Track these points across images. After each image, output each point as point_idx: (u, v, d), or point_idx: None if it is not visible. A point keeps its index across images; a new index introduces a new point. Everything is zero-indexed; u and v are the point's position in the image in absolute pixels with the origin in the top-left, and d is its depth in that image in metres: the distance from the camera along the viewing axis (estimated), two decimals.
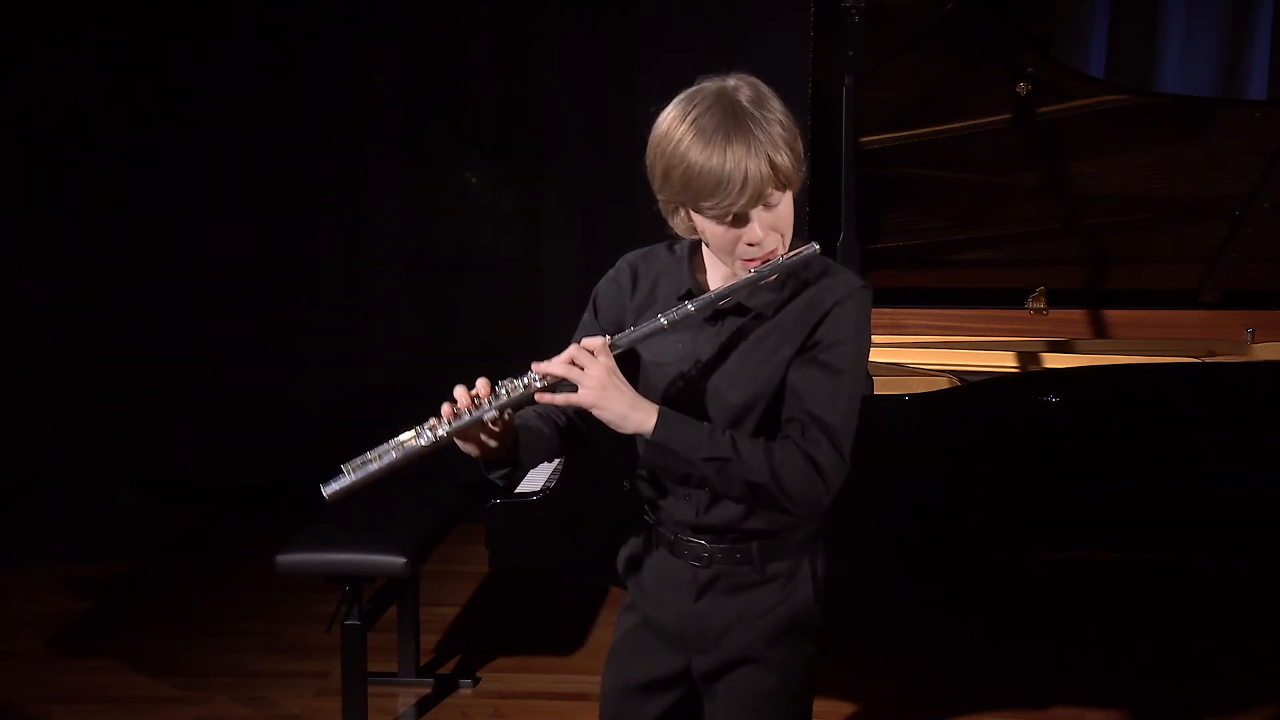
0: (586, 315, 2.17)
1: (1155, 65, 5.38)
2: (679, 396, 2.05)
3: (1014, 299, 3.97)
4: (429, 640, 4.24)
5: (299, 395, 5.70)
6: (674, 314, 1.97)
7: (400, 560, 3.52)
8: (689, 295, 2.06)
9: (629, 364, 2.07)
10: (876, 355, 3.67)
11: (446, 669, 4.11)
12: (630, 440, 2.10)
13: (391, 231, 5.62)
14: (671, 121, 1.96)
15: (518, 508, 3.16)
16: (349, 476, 1.98)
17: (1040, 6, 4.10)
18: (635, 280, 2.14)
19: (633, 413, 1.95)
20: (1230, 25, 5.37)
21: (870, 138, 3.59)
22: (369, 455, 1.98)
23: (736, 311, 2.05)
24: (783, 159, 1.93)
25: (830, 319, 2.00)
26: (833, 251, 3.19)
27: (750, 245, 1.98)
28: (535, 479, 3.43)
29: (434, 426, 1.97)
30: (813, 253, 2.01)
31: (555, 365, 1.95)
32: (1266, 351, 3.88)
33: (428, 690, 3.95)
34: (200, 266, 5.64)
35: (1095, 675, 4.01)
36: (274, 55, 5.54)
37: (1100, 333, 3.98)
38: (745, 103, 1.94)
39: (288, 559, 3.56)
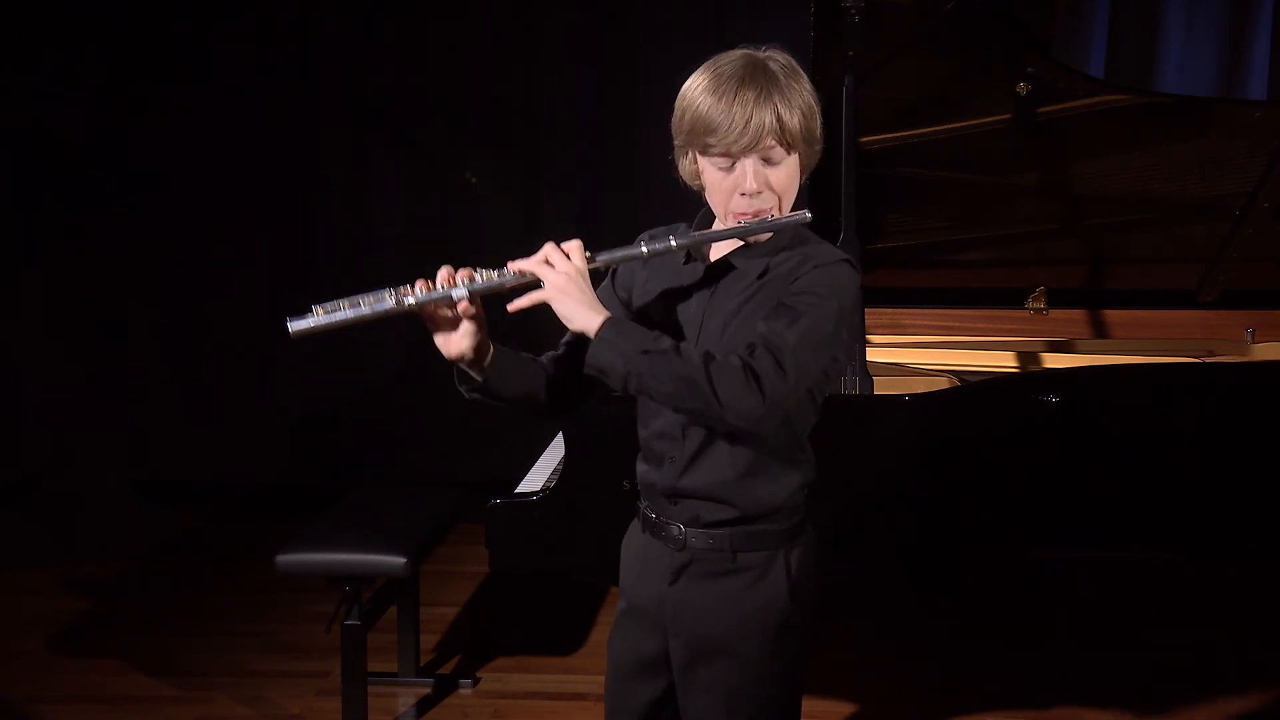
0: (605, 283, 2.24)
1: (1155, 65, 5.39)
2: None
3: (1014, 299, 3.97)
4: (429, 640, 4.24)
5: (299, 395, 5.70)
6: (656, 245, 2.05)
7: (400, 560, 3.53)
8: (689, 257, 2.14)
9: None
10: (876, 355, 3.68)
11: (446, 669, 4.11)
12: (629, 440, 2.15)
13: (391, 230, 5.62)
14: (697, 72, 2.05)
15: (518, 508, 3.16)
16: (317, 317, 2.02)
17: (1040, 7, 4.10)
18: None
19: (586, 310, 1.99)
20: (1230, 25, 5.37)
21: (870, 138, 3.60)
22: (341, 303, 2.03)
23: (725, 273, 2.10)
24: (792, 119, 2.00)
25: (804, 278, 2.04)
26: None
27: (743, 196, 2.03)
28: (535, 479, 3.44)
29: (406, 294, 2.03)
30: (804, 219, 2.05)
31: (529, 261, 2.02)
32: (1266, 351, 3.88)
33: (428, 690, 3.95)
34: (200, 266, 5.65)
35: (1095, 675, 4.01)
36: (274, 55, 5.54)
37: (1100, 333, 3.98)
38: (770, 65, 2.02)
39: (288, 559, 3.56)
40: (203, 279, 5.64)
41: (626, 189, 5.46)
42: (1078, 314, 3.98)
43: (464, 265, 2.05)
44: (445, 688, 3.97)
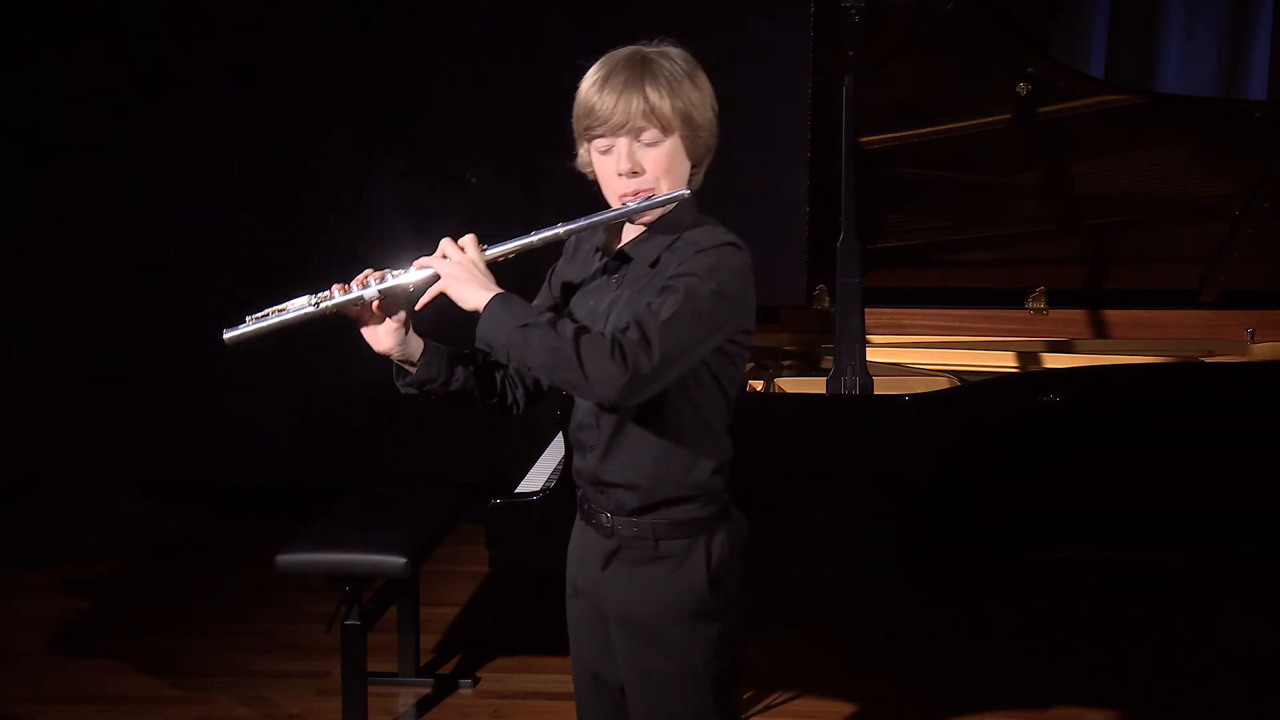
0: (544, 286, 2.36)
1: (1155, 65, 5.39)
2: None
3: (1014, 299, 3.98)
4: (429, 640, 4.24)
5: (299, 395, 5.70)
6: (544, 232, 2.15)
7: (400, 560, 3.52)
8: (596, 250, 2.24)
9: None
10: (876, 355, 3.68)
11: (446, 669, 4.11)
12: None
13: (391, 230, 5.62)
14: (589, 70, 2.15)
15: (518, 508, 3.16)
16: (249, 325, 2.19)
17: (1040, 7, 4.10)
18: (575, 251, 2.32)
19: (478, 290, 2.09)
20: (1230, 25, 5.37)
21: (870, 138, 3.60)
22: (268, 311, 2.19)
23: (623, 261, 2.19)
24: (663, 102, 2.08)
25: (687, 261, 2.10)
26: (832, 251, 3.19)
27: (622, 177, 2.11)
28: (535, 479, 3.44)
29: (326, 297, 2.18)
30: (683, 195, 2.12)
31: (429, 258, 2.15)
32: (1266, 351, 3.88)
33: (428, 690, 3.95)
34: (200, 265, 5.64)
35: (1095, 675, 4.01)
36: (274, 54, 5.54)
37: (1100, 333, 3.98)
38: (653, 55, 2.13)
39: (288, 559, 3.56)
40: (202, 278, 5.63)
41: None
42: (1078, 314, 3.98)
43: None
44: (445, 688, 3.97)
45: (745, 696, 3.86)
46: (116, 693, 3.96)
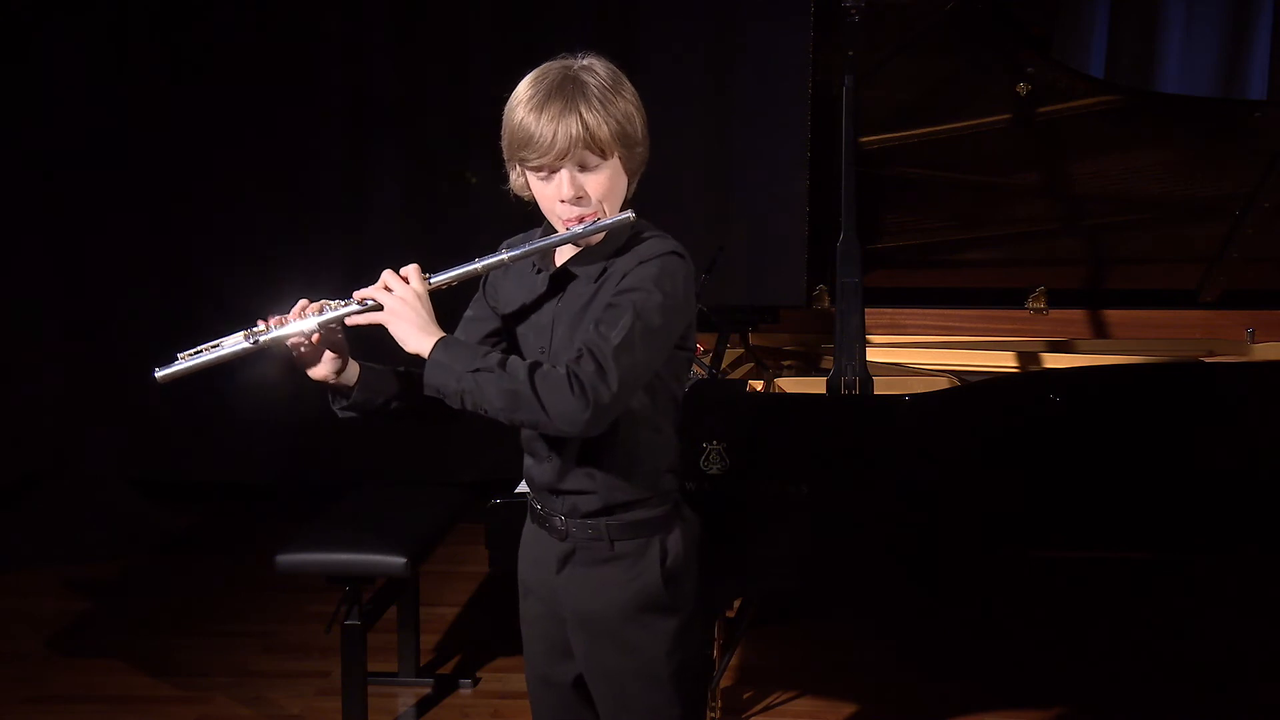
0: (478, 294, 2.33)
1: (1155, 65, 5.39)
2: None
3: (1014, 299, 3.97)
4: (429, 640, 4.24)
5: (299, 395, 5.68)
6: (489, 259, 2.13)
7: (400, 560, 3.53)
8: (539, 267, 2.23)
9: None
10: (876, 355, 3.68)
11: (446, 669, 4.11)
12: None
13: (391, 231, 5.62)
14: (518, 88, 2.12)
15: (518, 508, 3.14)
16: (182, 363, 2.18)
17: (1040, 6, 4.10)
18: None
19: (420, 334, 2.09)
20: (1230, 25, 5.38)
21: (870, 138, 3.60)
22: (202, 348, 2.17)
23: (569, 279, 2.19)
24: (599, 125, 2.07)
25: (630, 275, 2.11)
26: (832, 251, 3.19)
27: (564, 203, 2.11)
28: None
29: (261, 331, 2.17)
30: (626, 220, 2.12)
31: (371, 289, 2.13)
32: (1266, 351, 3.88)
33: (428, 690, 3.95)
34: (200, 265, 5.64)
35: (1096, 675, 4.01)
36: (274, 55, 5.54)
37: (1100, 333, 3.98)
38: (582, 75, 2.09)
39: (288, 559, 3.56)
40: (202, 277, 5.64)
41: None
42: (1078, 314, 3.98)
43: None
44: (445, 688, 3.97)
45: (745, 696, 3.86)
46: (116, 693, 3.96)
